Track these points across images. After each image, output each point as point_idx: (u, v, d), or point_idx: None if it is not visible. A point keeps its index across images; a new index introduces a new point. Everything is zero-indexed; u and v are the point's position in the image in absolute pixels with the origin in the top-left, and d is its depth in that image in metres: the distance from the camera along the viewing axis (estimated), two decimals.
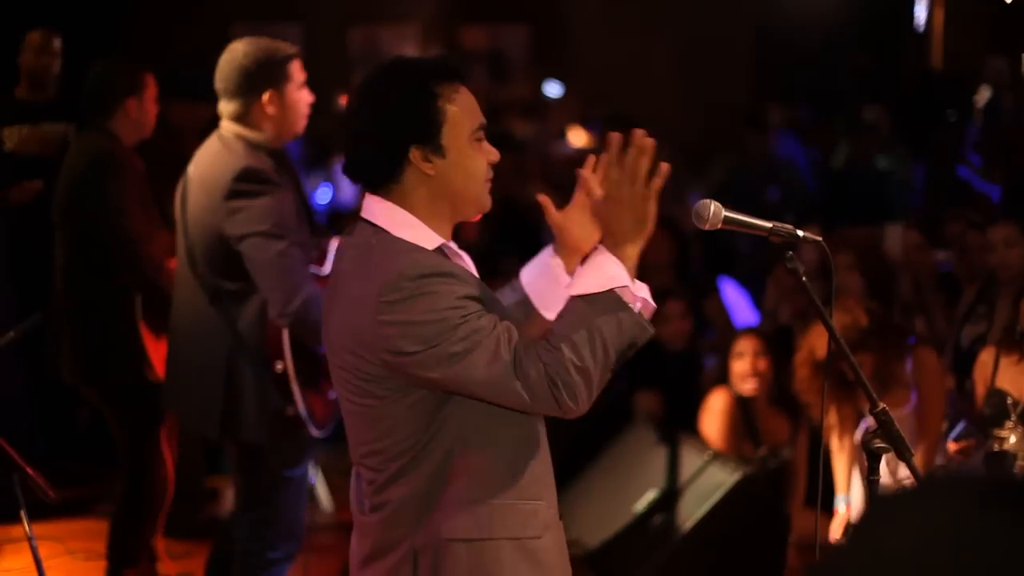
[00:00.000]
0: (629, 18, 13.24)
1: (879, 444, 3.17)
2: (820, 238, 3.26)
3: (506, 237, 8.53)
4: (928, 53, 14.41)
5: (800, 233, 3.19)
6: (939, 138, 11.50)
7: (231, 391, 4.93)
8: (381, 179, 3.08)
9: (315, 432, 5.03)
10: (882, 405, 3.19)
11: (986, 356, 5.76)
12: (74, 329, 5.95)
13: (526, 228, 8.55)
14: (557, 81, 13.07)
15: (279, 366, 4.88)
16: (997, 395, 5.61)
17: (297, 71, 4.97)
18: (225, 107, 4.97)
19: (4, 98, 7.70)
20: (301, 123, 5.03)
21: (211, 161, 4.95)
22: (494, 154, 3.13)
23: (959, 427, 5.51)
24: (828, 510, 6.37)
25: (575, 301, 2.97)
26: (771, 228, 3.17)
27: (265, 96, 4.89)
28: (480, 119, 3.11)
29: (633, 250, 3.01)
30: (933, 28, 14.48)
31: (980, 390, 5.76)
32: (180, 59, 6.08)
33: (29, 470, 4.43)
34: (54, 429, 8.39)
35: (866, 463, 3.22)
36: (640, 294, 3.01)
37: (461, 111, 3.07)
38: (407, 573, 3.06)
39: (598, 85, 12.78)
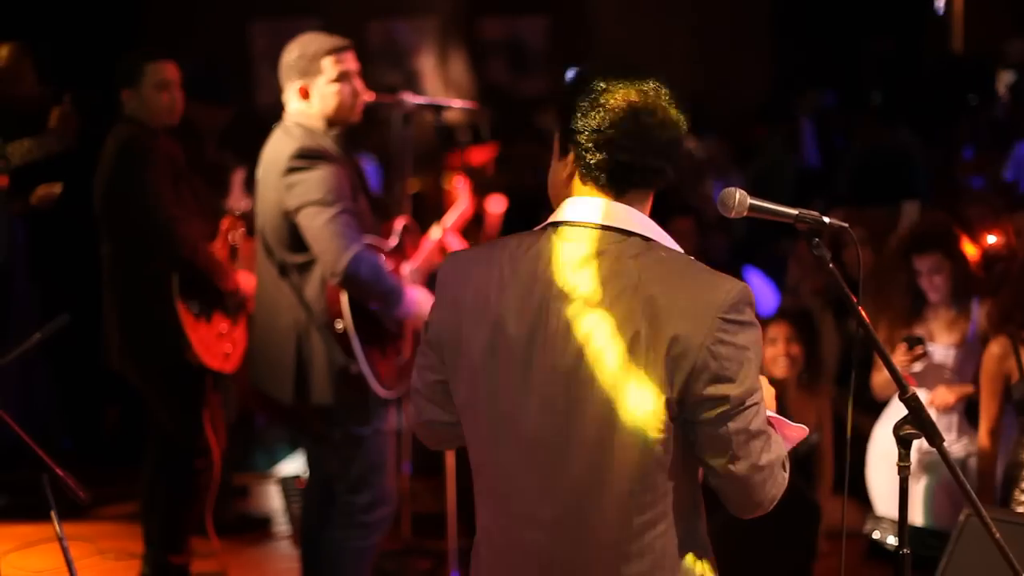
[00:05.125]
0: (648, 6, 13.21)
1: (909, 430, 3.15)
2: (846, 224, 3.24)
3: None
4: (949, 37, 14.36)
5: (826, 220, 3.17)
6: (960, 121, 11.47)
7: (302, 357, 5.24)
8: (641, 190, 2.87)
9: (381, 391, 5.30)
10: (912, 391, 3.17)
11: (999, 348, 5.72)
12: (119, 317, 6.08)
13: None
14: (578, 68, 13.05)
15: (339, 325, 5.18)
16: None
17: (331, 65, 5.27)
18: (284, 96, 5.36)
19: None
20: (345, 112, 5.33)
21: (274, 146, 5.31)
22: None
23: None
24: (855, 497, 6.36)
25: None
26: (797, 215, 3.15)
27: (301, 86, 5.27)
28: None
29: None
30: (954, 12, 14.43)
31: (993, 384, 5.74)
32: (195, 61, 6.09)
33: (59, 471, 4.43)
34: (83, 429, 8.41)
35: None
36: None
37: None
38: None
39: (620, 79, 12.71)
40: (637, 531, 2.78)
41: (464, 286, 2.90)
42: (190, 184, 6.09)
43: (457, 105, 6.82)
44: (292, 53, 5.30)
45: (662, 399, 2.70)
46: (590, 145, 2.82)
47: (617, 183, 2.84)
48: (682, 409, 2.72)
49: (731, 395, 2.70)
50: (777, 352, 6.63)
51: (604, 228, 2.81)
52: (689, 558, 2.85)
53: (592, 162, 2.83)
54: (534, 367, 2.78)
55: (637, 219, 2.83)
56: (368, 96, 5.45)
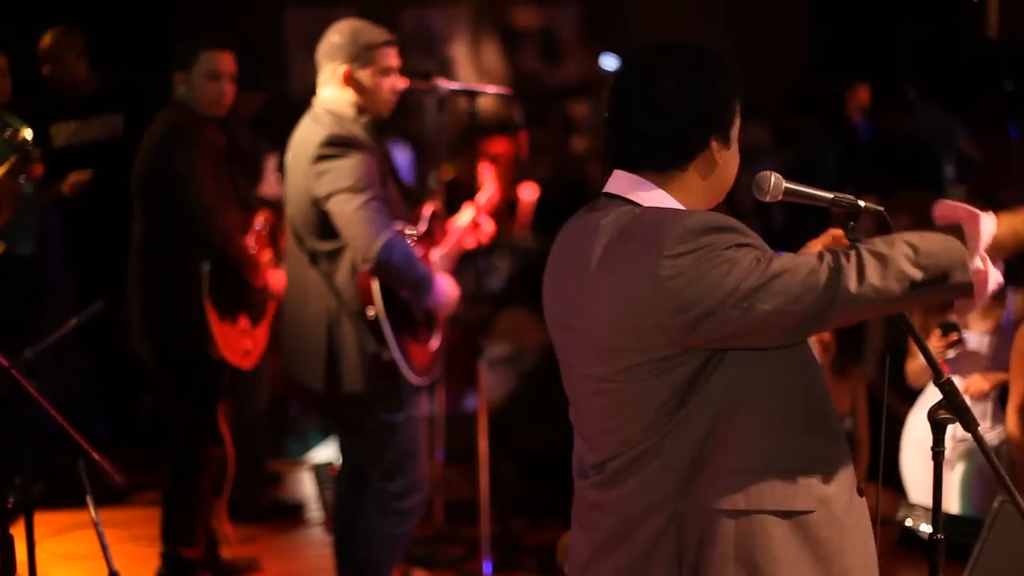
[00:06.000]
0: None
1: (944, 415, 3.14)
2: (881, 207, 3.23)
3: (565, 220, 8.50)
4: (984, 21, 14.26)
5: (862, 203, 3.16)
6: (994, 107, 11.39)
7: (333, 345, 5.23)
8: (669, 165, 2.96)
9: (413, 379, 5.30)
10: (947, 376, 3.16)
11: None
12: (143, 298, 6.03)
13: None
14: (613, 54, 13.00)
15: (371, 311, 5.17)
16: None
17: (381, 57, 5.28)
18: (320, 77, 5.33)
19: (46, 95, 7.73)
20: (380, 106, 5.34)
21: (303, 133, 5.30)
22: None
23: None
24: (889, 484, 6.34)
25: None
26: (833, 199, 3.14)
27: (347, 70, 5.25)
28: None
29: None
30: None
31: (1021, 366, 5.72)
32: (232, 42, 6.08)
33: (95, 455, 4.46)
34: (118, 416, 8.45)
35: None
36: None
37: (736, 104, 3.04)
38: (670, 543, 2.92)
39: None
40: None
41: None
42: (230, 175, 6.07)
43: (491, 91, 6.81)
44: (341, 36, 5.27)
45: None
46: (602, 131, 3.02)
47: (616, 161, 3.02)
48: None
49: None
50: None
51: (607, 196, 3.02)
52: None
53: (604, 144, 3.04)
54: None
55: (638, 190, 2.97)
56: (402, 82, 5.46)
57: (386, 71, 5.29)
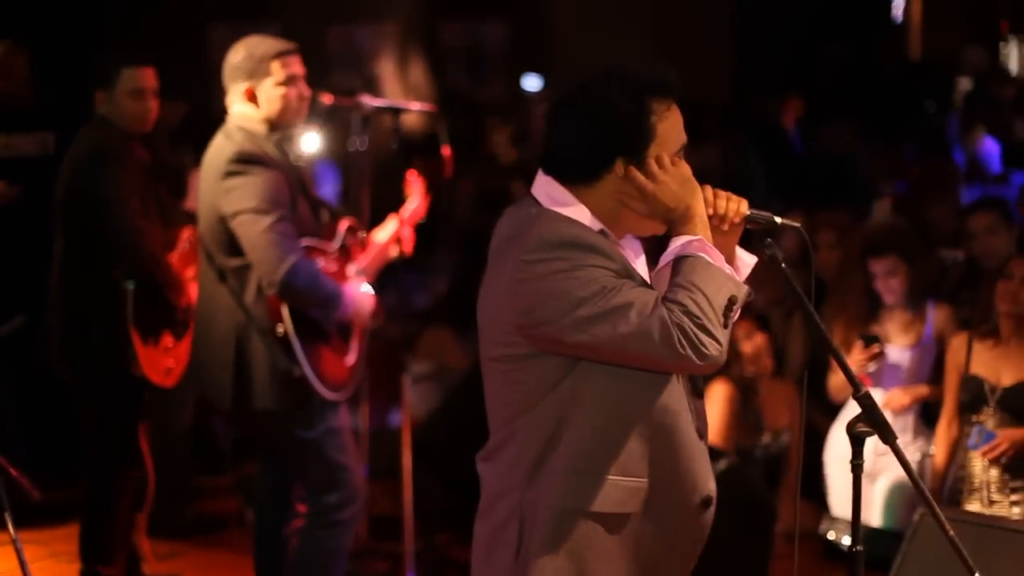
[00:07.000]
0: (607, 11, 13.23)
1: (863, 428, 3.17)
2: (799, 224, 3.26)
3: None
4: (907, 44, 14.44)
5: (778, 220, 3.19)
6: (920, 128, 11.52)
7: (241, 361, 5.19)
8: (577, 179, 3.12)
9: (327, 394, 5.27)
10: (865, 389, 3.19)
11: (958, 342, 5.78)
12: (64, 316, 5.94)
13: None
14: (536, 75, 13.04)
15: (280, 329, 5.14)
16: (973, 381, 5.62)
17: (279, 67, 5.24)
18: (228, 98, 5.31)
19: None
20: (290, 116, 5.32)
21: (214, 149, 5.26)
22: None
23: (981, 435, 5.52)
24: (812, 499, 6.38)
25: (664, 270, 3.08)
26: (748, 215, 3.17)
27: (247, 87, 5.21)
28: (683, 140, 3.15)
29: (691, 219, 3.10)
30: (911, 19, 14.52)
31: (952, 376, 5.78)
32: (153, 57, 6.03)
33: (12, 470, 4.41)
34: (38, 433, 8.35)
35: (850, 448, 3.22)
36: (746, 260, 3.24)
37: (670, 130, 3.11)
38: (512, 531, 3.16)
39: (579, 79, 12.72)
40: None
41: None
42: (155, 193, 5.99)
43: (416, 108, 6.81)
44: (238, 55, 5.25)
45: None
46: None
47: (543, 169, 3.18)
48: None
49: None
50: (747, 349, 6.62)
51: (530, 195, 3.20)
52: None
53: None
54: None
55: (545, 190, 3.14)
56: (327, 99, 5.43)
57: (288, 80, 5.25)
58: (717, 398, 6.63)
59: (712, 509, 3.25)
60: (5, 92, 7.72)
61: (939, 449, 5.83)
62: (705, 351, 2.95)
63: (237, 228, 5.09)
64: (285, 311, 5.14)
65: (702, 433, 3.25)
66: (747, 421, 6.71)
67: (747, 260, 3.27)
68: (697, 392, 3.27)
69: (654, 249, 3.27)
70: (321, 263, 5.30)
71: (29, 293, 6.66)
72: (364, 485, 5.65)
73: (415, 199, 5.94)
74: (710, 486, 3.23)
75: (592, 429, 3.09)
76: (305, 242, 5.21)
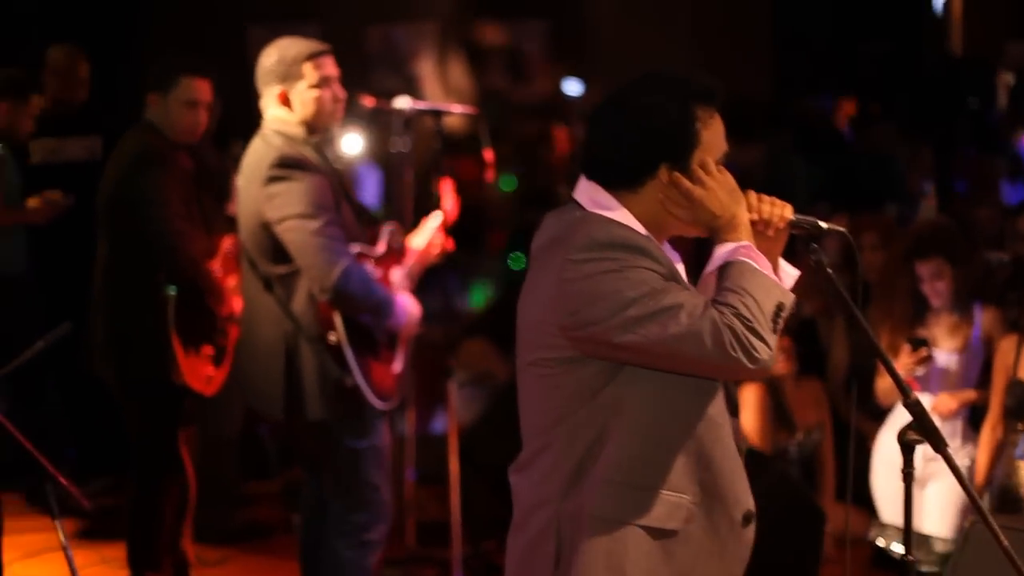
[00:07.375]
0: (647, 11, 13.20)
1: (913, 436, 3.16)
2: (844, 228, 3.25)
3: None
4: (948, 39, 14.35)
5: (823, 225, 3.19)
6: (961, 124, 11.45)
7: (291, 372, 5.15)
8: (621, 184, 3.11)
9: (377, 403, 5.22)
10: (915, 396, 3.18)
11: (1007, 344, 5.74)
12: (106, 321, 5.94)
13: None
14: (576, 79, 13.02)
15: (332, 337, 5.09)
16: (1019, 386, 5.59)
17: (312, 69, 5.20)
18: (262, 102, 5.27)
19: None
20: (325, 118, 5.28)
21: (254, 155, 5.21)
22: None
23: None
24: (860, 504, 6.34)
25: (710, 277, 3.09)
26: (792, 220, 3.17)
27: (281, 91, 5.18)
28: (724, 149, 3.15)
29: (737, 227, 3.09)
30: (952, 13, 14.43)
31: (999, 379, 5.74)
32: (213, 68, 6.01)
33: (62, 479, 4.43)
34: (87, 438, 8.39)
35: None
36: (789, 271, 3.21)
37: (713, 138, 3.11)
38: (550, 542, 3.11)
39: (618, 80, 12.71)
40: None
41: None
42: (199, 200, 5.97)
43: (457, 111, 6.81)
44: (270, 58, 5.21)
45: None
46: None
47: (583, 170, 3.17)
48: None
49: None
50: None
51: (573, 200, 3.17)
52: None
53: None
54: None
55: (589, 195, 3.12)
56: (368, 102, 5.42)
57: (322, 82, 5.21)
58: (749, 401, 6.62)
59: (753, 525, 3.21)
60: (62, 98, 7.77)
61: (982, 451, 5.80)
62: (756, 354, 2.93)
63: (284, 234, 5.06)
64: (338, 319, 5.10)
65: (741, 449, 3.23)
66: (779, 420, 6.69)
67: (790, 272, 3.25)
68: (734, 409, 3.24)
69: (691, 258, 3.28)
70: (369, 268, 5.27)
71: (76, 299, 6.69)
72: (409, 493, 5.61)
73: (448, 202, 5.90)
74: (751, 502, 3.20)
75: (636, 439, 3.05)
76: (353, 247, 5.17)
